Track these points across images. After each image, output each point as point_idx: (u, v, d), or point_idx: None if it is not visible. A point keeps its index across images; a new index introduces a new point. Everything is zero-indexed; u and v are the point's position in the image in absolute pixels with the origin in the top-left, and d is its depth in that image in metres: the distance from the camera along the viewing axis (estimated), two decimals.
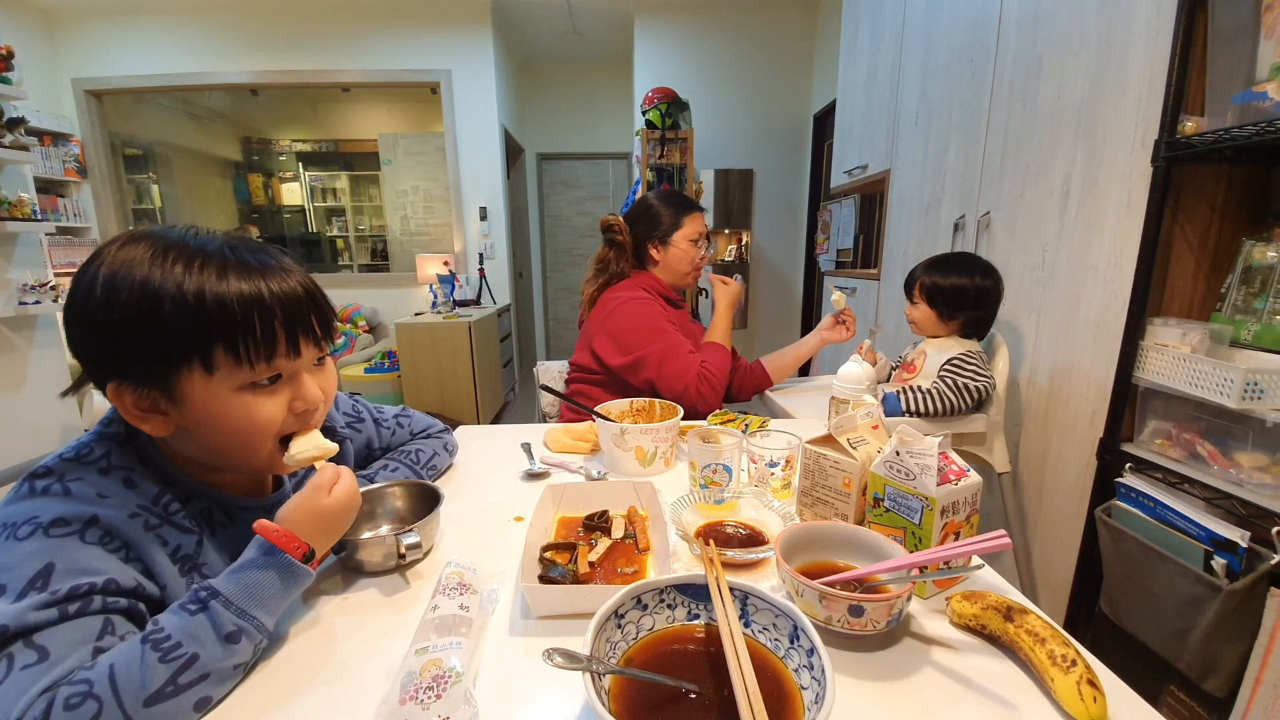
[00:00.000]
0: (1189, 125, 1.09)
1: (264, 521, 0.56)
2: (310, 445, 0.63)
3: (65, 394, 0.61)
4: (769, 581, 0.65)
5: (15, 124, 2.41)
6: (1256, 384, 0.97)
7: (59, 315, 2.79)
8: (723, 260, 4.24)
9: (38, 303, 2.52)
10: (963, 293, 1.43)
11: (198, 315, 0.52)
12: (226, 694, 0.50)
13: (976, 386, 1.38)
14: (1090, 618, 1.29)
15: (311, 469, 0.64)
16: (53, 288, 2.59)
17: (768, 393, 1.63)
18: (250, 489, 0.69)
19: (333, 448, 0.65)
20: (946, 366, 1.42)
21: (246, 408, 0.57)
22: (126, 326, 0.52)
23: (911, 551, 0.61)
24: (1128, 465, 1.19)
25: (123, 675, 0.44)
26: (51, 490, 0.52)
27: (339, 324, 4.08)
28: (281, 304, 0.57)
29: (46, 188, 3.78)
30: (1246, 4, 1.02)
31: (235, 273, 0.55)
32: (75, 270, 0.56)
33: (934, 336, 1.50)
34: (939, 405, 1.38)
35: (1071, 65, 1.40)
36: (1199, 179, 1.15)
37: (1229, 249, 1.17)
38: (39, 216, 2.53)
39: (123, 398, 0.54)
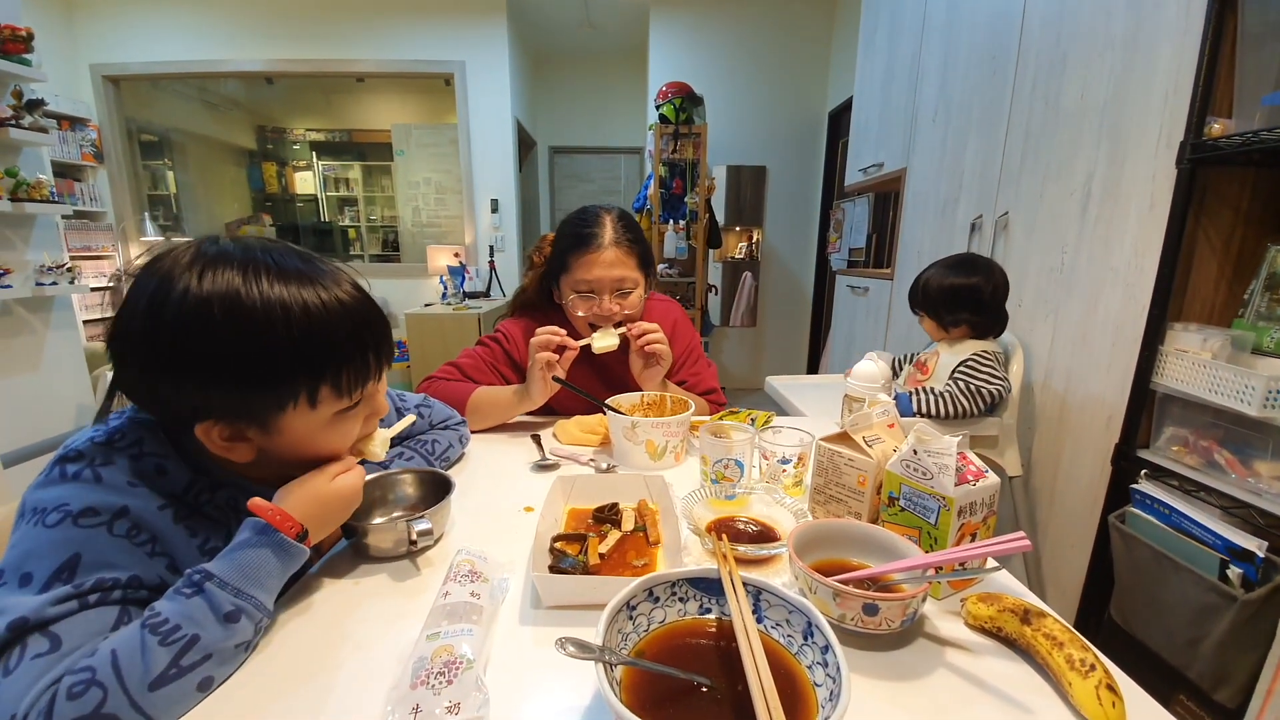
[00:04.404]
0: (1216, 127, 1.08)
1: (259, 500, 0.56)
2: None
3: (99, 418, 0.57)
4: (780, 578, 0.65)
5: (35, 106, 2.42)
6: (1278, 392, 0.95)
7: (74, 299, 2.82)
8: (732, 258, 4.23)
9: (54, 284, 2.54)
10: (954, 294, 1.41)
11: (309, 355, 0.54)
12: (230, 674, 0.50)
13: (990, 390, 1.37)
14: (1100, 624, 1.28)
15: None
16: (68, 270, 2.62)
17: (777, 388, 1.62)
18: (278, 478, 0.68)
19: (376, 454, 0.69)
20: (961, 369, 1.40)
21: (338, 432, 0.61)
22: (239, 374, 0.52)
23: (926, 552, 0.60)
24: (1143, 471, 1.17)
25: (125, 661, 0.44)
26: (82, 476, 0.52)
27: None
28: (371, 332, 0.59)
29: (63, 172, 3.81)
30: (1277, 5, 1.00)
31: (334, 305, 0.55)
32: (123, 289, 0.53)
33: (947, 340, 1.48)
34: (951, 408, 1.37)
35: (1096, 64, 1.38)
36: (1224, 182, 1.13)
37: (1253, 254, 1.15)
38: (56, 199, 2.55)
39: (211, 434, 0.55)
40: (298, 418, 0.56)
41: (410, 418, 0.80)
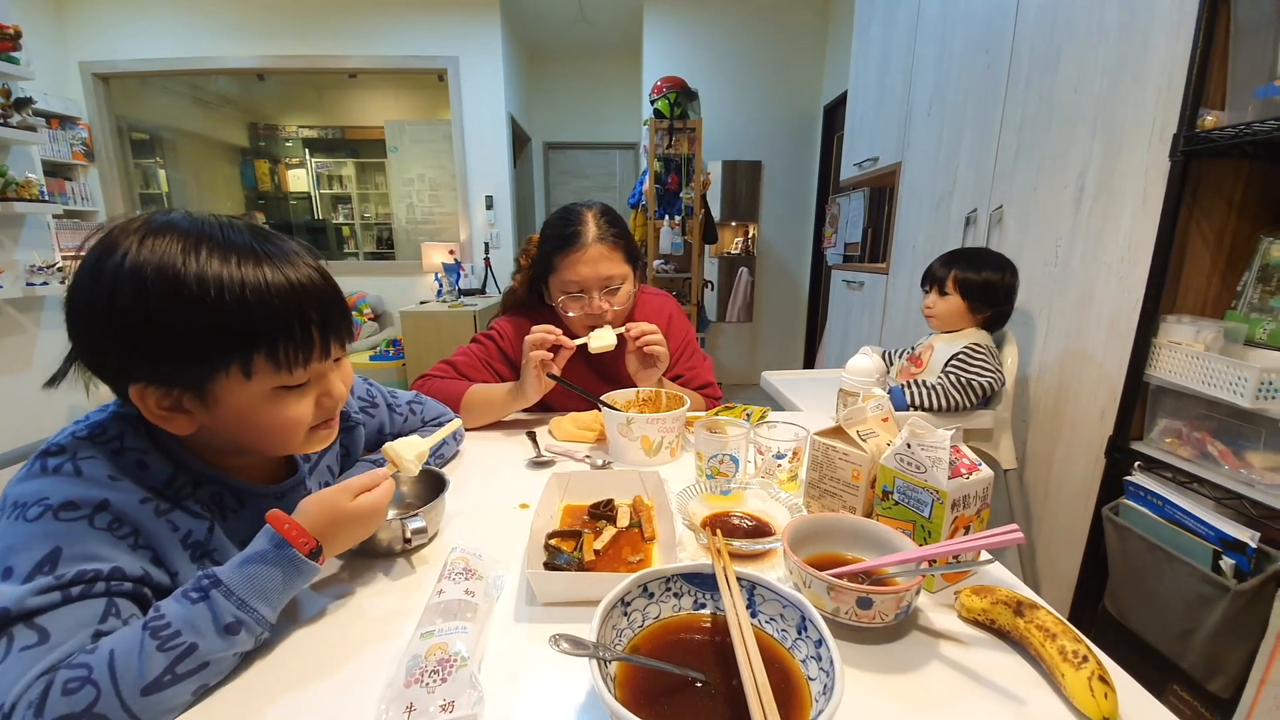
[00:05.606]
0: (1209, 119, 1.08)
1: (277, 512, 0.56)
2: (398, 452, 0.69)
3: (50, 383, 0.55)
4: (775, 573, 0.65)
5: (23, 104, 2.40)
6: (1271, 383, 0.96)
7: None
8: (728, 253, 4.23)
9: (45, 284, 2.53)
10: (995, 288, 1.43)
11: (243, 322, 0.52)
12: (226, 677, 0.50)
13: (982, 382, 1.37)
14: (1094, 616, 1.28)
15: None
16: (59, 269, 2.60)
17: (773, 383, 1.62)
18: (262, 475, 0.68)
19: (410, 469, 0.69)
20: (952, 362, 1.41)
21: (278, 409, 0.57)
22: (166, 330, 0.50)
23: (920, 546, 0.60)
24: (1137, 464, 1.18)
25: (122, 663, 0.44)
26: (63, 470, 0.51)
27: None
28: (318, 308, 0.56)
29: (54, 171, 3.78)
30: None
31: (275, 274, 0.53)
32: (81, 255, 0.53)
33: (951, 330, 1.48)
34: (943, 402, 1.37)
35: (1090, 57, 1.38)
36: (1217, 174, 1.13)
37: (1246, 246, 1.15)
38: (46, 198, 2.53)
39: (146, 399, 0.53)
40: (233, 388, 0.54)
41: (455, 422, 0.80)
